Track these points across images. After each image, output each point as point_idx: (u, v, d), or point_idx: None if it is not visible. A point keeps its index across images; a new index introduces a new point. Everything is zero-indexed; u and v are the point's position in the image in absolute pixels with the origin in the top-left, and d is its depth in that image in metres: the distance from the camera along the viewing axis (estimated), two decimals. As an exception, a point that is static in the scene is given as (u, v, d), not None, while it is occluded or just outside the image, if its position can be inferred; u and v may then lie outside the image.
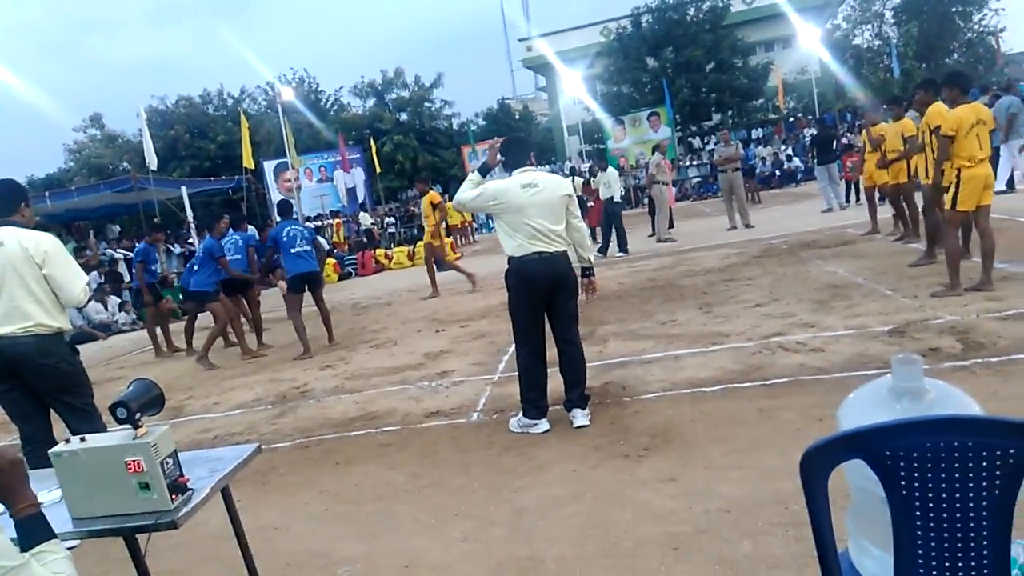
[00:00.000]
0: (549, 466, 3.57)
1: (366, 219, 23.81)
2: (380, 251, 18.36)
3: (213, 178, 25.42)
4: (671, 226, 12.95)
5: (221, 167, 33.06)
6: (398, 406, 5.06)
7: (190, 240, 17.88)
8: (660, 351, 5.31)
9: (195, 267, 8.18)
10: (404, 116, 36.70)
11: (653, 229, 13.98)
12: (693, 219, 15.46)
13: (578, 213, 4.09)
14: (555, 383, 4.20)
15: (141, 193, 17.88)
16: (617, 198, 11.74)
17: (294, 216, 8.39)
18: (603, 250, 11.73)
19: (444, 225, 11.99)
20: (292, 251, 7.53)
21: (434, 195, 10.48)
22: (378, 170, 28.90)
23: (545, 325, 4.06)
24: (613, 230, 11.77)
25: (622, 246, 11.82)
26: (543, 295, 3.93)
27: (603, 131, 30.79)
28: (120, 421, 2.01)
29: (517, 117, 39.85)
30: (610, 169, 12.06)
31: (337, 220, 22.91)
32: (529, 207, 3.87)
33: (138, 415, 2.00)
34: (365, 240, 21.65)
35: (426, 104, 36.84)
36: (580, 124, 31.24)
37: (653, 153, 13.56)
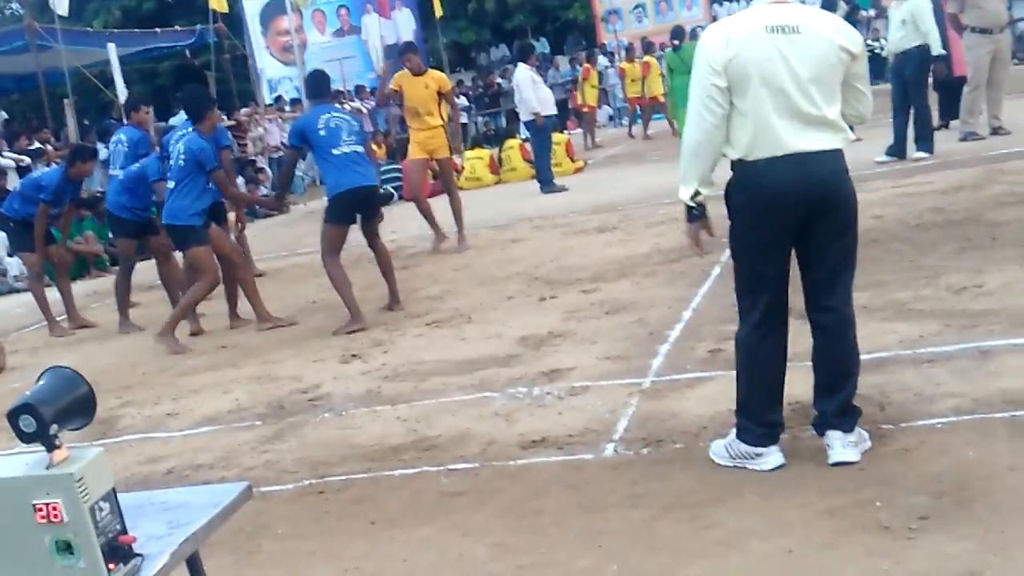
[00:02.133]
0: (742, 541, 3.56)
1: None
2: (443, 157, 18.60)
3: (160, 29, 26.33)
4: (992, 110, 12.33)
5: (172, 10, 34.15)
6: (475, 428, 5.15)
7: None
8: (952, 341, 5.18)
9: (154, 186, 8.74)
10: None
11: (941, 114, 13.43)
12: (1020, 96, 14.75)
13: (866, 75, 4.08)
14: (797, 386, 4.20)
15: (43, 56, 18.76)
16: (937, 49, 11.35)
17: (330, 97, 8.69)
18: (897, 149, 11.59)
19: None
20: (334, 152, 7.85)
21: (439, 77, 11.11)
22: (438, 13, 29.11)
23: (791, 279, 4.07)
24: (912, 112, 11.53)
25: (924, 139, 11.56)
26: (793, 226, 3.95)
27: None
28: (24, 438, 2.13)
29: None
30: None
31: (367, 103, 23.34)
32: (778, 68, 3.85)
33: (54, 428, 2.12)
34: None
35: None
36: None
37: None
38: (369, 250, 8.43)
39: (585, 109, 22.05)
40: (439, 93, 10.73)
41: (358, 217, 8.12)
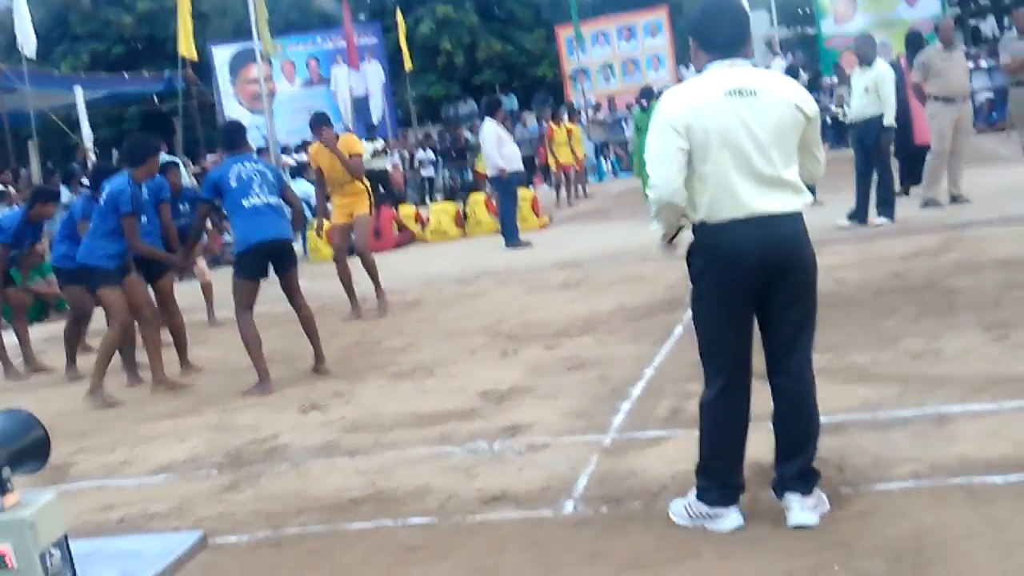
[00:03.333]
0: (701, 603, 3.55)
1: (370, 148, 23.78)
2: (407, 209, 18.64)
3: (128, 73, 26.39)
4: (953, 178, 12.47)
5: (141, 56, 34.21)
6: (434, 483, 5.13)
7: (86, 181, 18.59)
8: (910, 406, 5.22)
9: (77, 226, 8.74)
10: (457, -29, 37.01)
11: (902, 181, 13.64)
12: (978, 166, 15.03)
13: (819, 139, 4.14)
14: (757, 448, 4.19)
15: (8, 97, 18.70)
16: (889, 120, 11.54)
17: (252, 148, 8.61)
18: (859, 214, 11.74)
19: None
20: (244, 203, 7.71)
21: (351, 143, 10.85)
22: (408, 66, 29.33)
23: (753, 341, 4.09)
24: (875, 177, 11.67)
25: (885, 204, 11.72)
26: (754, 289, 3.98)
27: (814, 2, 30.27)
28: (-24, 481, 2.10)
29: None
30: (879, 64, 11.74)
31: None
32: (738, 132, 3.90)
33: (7, 472, 2.10)
34: (381, 190, 21.90)
35: (496, -50, 37.03)
36: (772, -10, 30.82)
37: (908, 47, 13.19)
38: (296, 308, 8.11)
39: (555, 169, 21.79)
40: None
41: (272, 271, 7.94)
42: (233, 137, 8.32)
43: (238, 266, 7.89)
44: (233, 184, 7.72)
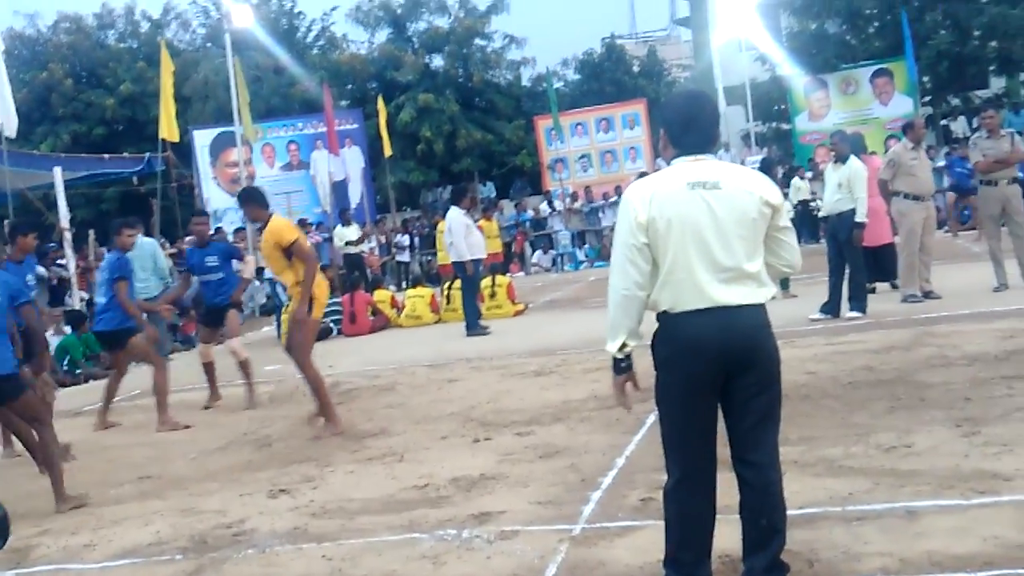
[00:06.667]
0: None
1: (344, 236, 23.77)
2: (383, 293, 18.66)
3: (108, 156, 26.48)
4: (923, 274, 12.61)
5: (123, 137, 34.41)
6: (401, 570, 5.09)
7: (61, 260, 18.58)
8: (881, 500, 5.23)
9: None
10: (438, 61, 37.57)
11: (870, 277, 13.77)
12: (951, 264, 15.21)
13: (790, 226, 4.19)
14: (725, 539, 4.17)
15: (-13, 176, 18.73)
16: (861, 215, 11.73)
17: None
18: (831, 307, 11.84)
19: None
20: None
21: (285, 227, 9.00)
22: (387, 152, 29.59)
23: (717, 433, 4.09)
24: (847, 272, 11.82)
25: (857, 298, 11.85)
26: (715, 379, 4.00)
27: (789, 99, 30.82)
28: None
29: (635, 68, 40.30)
30: (852, 161, 11.96)
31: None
32: (701, 223, 3.96)
33: (-37, 553, 2.08)
34: (356, 274, 21.94)
35: (478, 43, 37.66)
36: (748, 86, 31.34)
37: (886, 142, 13.39)
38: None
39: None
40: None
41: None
42: None
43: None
44: None
